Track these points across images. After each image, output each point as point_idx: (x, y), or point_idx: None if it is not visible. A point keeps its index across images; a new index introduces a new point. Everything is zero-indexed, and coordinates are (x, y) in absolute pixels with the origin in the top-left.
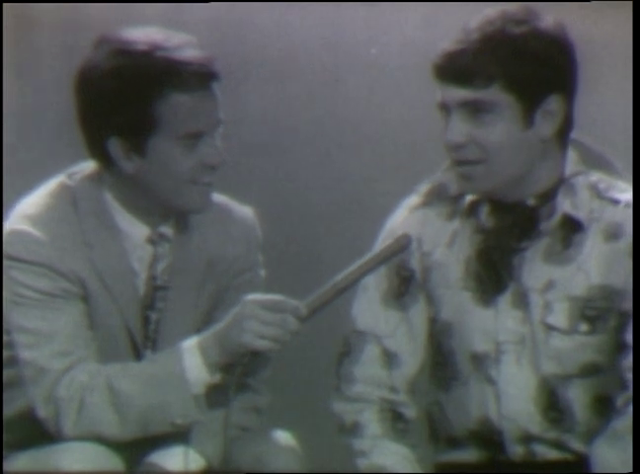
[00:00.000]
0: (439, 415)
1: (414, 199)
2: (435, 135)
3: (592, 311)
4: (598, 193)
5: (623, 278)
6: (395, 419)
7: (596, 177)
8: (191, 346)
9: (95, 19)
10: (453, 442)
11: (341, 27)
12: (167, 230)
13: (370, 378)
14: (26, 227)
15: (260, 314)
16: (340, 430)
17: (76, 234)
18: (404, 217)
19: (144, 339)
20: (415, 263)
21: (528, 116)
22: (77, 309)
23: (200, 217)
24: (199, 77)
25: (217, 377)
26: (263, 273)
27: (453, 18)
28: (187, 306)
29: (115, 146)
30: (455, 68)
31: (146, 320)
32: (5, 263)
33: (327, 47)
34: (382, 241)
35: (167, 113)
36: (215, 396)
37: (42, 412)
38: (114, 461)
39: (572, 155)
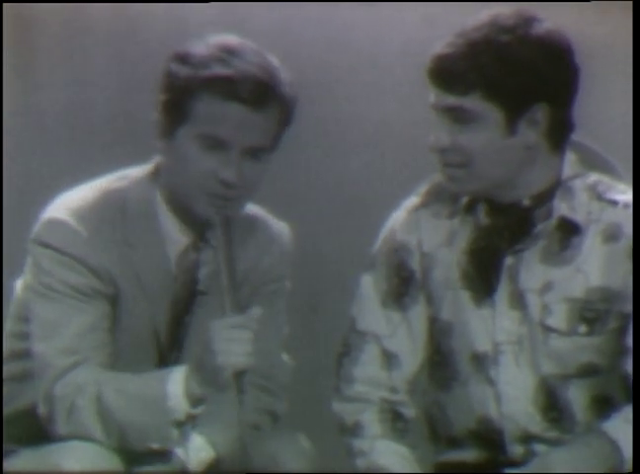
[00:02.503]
0: (438, 415)
1: (413, 200)
2: None
3: (591, 313)
4: (597, 194)
5: (622, 280)
6: (395, 419)
7: (594, 178)
8: (177, 373)
9: (95, 19)
10: (453, 442)
11: (341, 27)
12: (211, 236)
13: (370, 379)
14: (66, 217)
15: (226, 333)
16: (340, 430)
17: (116, 233)
18: (403, 218)
19: (171, 342)
20: (414, 263)
21: (511, 124)
22: (99, 309)
23: (241, 227)
24: (247, 92)
25: (200, 409)
26: (288, 284)
27: (453, 18)
28: (219, 312)
29: (156, 121)
30: (440, 73)
31: (178, 324)
32: (37, 250)
33: (327, 47)
34: (382, 241)
35: (197, 108)
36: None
37: (41, 408)
38: (114, 461)
39: (570, 157)
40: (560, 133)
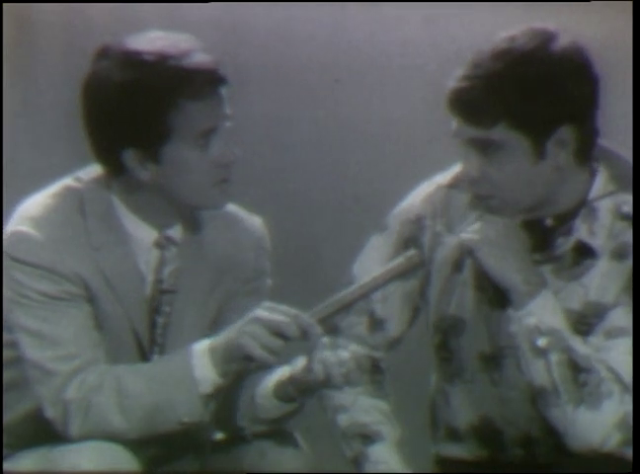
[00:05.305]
0: (443, 404)
1: (442, 178)
2: (435, 135)
3: (584, 326)
4: (621, 214)
5: (615, 298)
6: (374, 372)
7: (624, 198)
8: (202, 346)
9: (95, 19)
10: (454, 434)
11: (341, 27)
12: (174, 234)
13: (354, 335)
14: (27, 228)
15: (263, 332)
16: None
17: (80, 236)
18: (427, 193)
19: (151, 343)
20: (425, 240)
21: (539, 149)
22: (82, 311)
23: (208, 222)
24: (210, 84)
25: (227, 380)
26: (270, 281)
27: (453, 18)
28: (194, 311)
29: (130, 157)
30: (462, 106)
31: (153, 324)
32: (7, 263)
33: (327, 47)
34: (401, 209)
35: (180, 120)
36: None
37: (51, 412)
38: (130, 461)
39: (603, 175)
40: (588, 148)
